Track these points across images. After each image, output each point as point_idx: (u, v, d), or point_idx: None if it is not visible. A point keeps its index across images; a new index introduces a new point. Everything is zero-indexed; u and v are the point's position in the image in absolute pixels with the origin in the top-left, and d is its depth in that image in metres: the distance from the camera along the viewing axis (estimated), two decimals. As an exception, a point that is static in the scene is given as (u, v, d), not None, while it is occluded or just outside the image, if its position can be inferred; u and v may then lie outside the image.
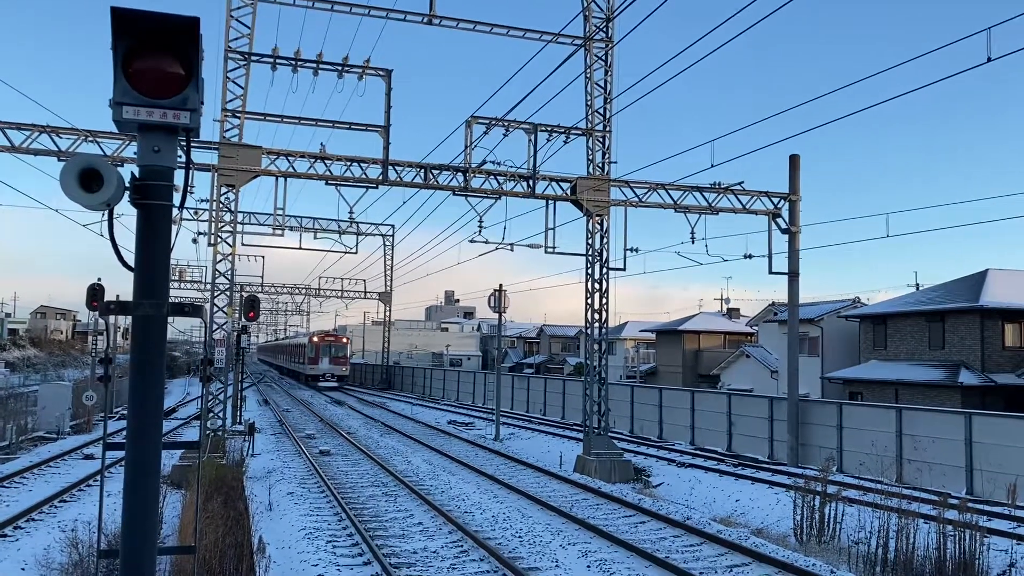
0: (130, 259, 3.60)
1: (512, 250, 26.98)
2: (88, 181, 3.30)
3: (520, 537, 14.40)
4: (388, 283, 61.81)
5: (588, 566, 12.66)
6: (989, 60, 12.97)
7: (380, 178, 23.72)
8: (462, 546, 13.69)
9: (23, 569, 12.93)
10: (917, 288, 45.89)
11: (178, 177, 3.94)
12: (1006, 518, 17.10)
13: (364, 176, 23.76)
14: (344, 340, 66.19)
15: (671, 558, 13.04)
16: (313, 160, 23.53)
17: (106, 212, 3.72)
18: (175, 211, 3.84)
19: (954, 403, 30.17)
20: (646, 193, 25.69)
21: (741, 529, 15.99)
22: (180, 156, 3.77)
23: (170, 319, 3.75)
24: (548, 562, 12.82)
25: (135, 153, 3.65)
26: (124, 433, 3.57)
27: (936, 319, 35.06)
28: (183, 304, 3.64)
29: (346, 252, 45.05)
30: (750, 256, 27.03)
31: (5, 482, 20.14)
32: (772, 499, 20.59)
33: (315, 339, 65.02)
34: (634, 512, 17.03)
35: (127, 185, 3.47)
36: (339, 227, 42.91)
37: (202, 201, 35.42)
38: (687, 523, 15.61)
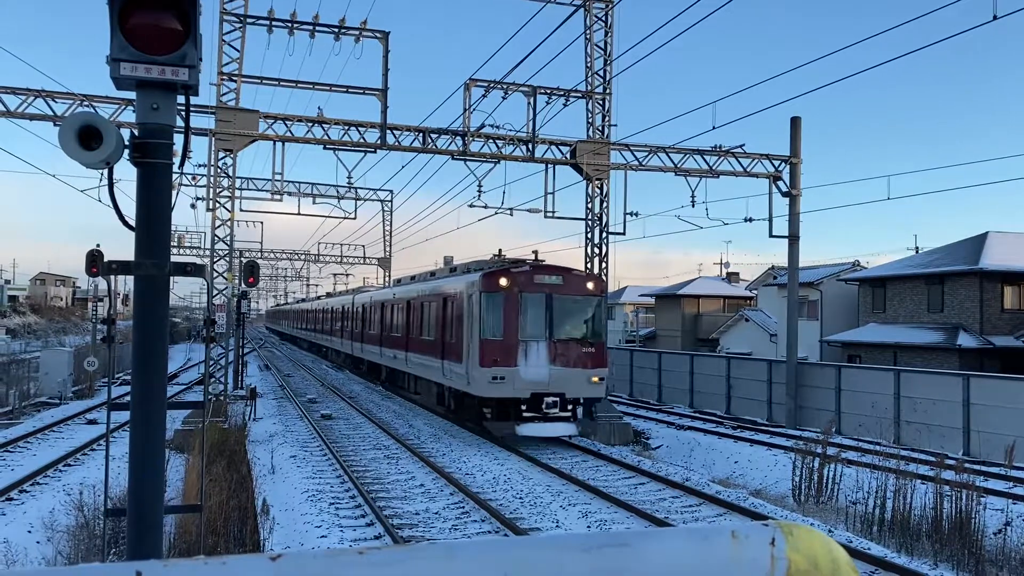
0: (132, 220, 3.58)
1: (511, 215, 26.92)
2: (87, 139, 3.27)
3: (521, 498, 14.53)
4: (387, 248, 61.57)
5: (588, 527, 12.80)
6: (995, 18, 12.81)
7: (378, 142, 23.57)
8: (463, 507, 13.82)
9: (29, 532, 13.08)
10: (917, 251, 45.85)
11: (177, 141, 3.90)
12: (1002, 478, 17.26)
13: (362, 140, 23.61)
14: (590, 286, 21.12)
15: (670, 519, 13.19)
16: (311, 124, 23.36)
17: (105, 172, 3.69)
18: (175, 173, 3.80)
19: (952, 365, 30.30)
20: (646, 156, 25.55)
21: (739, 490, 16.16)
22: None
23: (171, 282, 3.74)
24: (549, 523, 12.96)
25: (133, 111, 3.62)
26: (128, 394, 3.57)
27: (935, 282, 35.07)
28: (185, 264, 3.63)
29: (345, 217, 45.07)
30: (750, 219, 26.97)
31: (9, 447, 20.30)
32: (771, 461, 20.77)
33: (503, 281, 20.15)
34: (633, 474, 17.18)
35: (126, 144, 3.44)
36: (338, 192, 42.76)
37: (200, 166, 35.20)
38: (686, 484, 15.76)
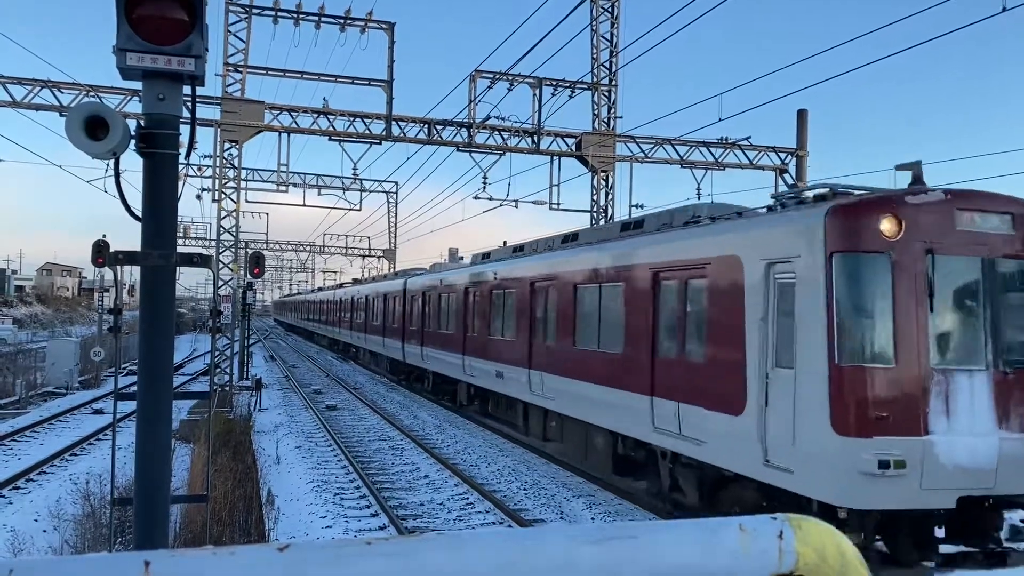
0: (138, 211, 3.58)
1: (516, 207, 26.92)
2: (94, 129, 3.27)
3: (526, 489, 14.55)
4: (392, 240, 61.53)
5: (593, 518, 12.82)
6: (1004, 10, 12.73)
7: (383, 134, 23.57)
8: (468, 498, 13.84)
9: (36, 520, 13.14)
10: (923, 245, 45.67)
11: (183, 132, 3.90)
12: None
13: (367, 132, 23.60)
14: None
15: (676, 511, 13.19)
16: (316, 116, 23.36)
17: (112, 162, 3.70)
18: (181, 163, 3.81)
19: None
20: (652, 148, 25.49)
21: (744, 482, 16.13)
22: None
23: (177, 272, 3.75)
24: (553, 514, 12.97)
25: (140, 101, 3.62)
26: (135, 384, 3.58)
27: (942, 275, 34.99)
28: (192, 254, 3.64)
29: (350, 209, 45.13)
30: (756, 212, 26.89)
31: (16, 436, 20.38)
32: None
33: (888, 225, 7.86)
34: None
35: (133, 134, 3.44)
36: (343, 184, 42.78)
37: (205, 157, 35.27)
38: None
